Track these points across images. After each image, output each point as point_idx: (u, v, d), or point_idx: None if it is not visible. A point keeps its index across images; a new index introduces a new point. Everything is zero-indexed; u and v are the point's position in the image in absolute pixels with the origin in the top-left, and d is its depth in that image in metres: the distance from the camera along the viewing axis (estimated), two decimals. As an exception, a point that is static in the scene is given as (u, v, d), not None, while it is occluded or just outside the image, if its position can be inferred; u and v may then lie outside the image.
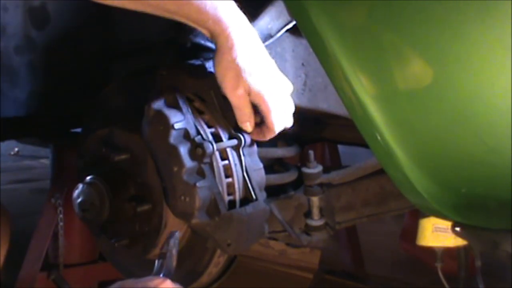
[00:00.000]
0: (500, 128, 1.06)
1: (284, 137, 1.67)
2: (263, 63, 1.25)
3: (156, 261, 1.21)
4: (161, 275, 1.18)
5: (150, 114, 1.34)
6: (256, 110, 1.28)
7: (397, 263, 2.83)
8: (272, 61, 1.28)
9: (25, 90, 1.80)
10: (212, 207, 1.30)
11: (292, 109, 1.30)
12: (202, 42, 1.59)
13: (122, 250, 1.56)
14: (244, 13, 1.25)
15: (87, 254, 2.30)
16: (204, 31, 1.24)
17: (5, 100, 1.77)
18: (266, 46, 1.36)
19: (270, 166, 1.62)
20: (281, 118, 1.28)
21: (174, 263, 1.22)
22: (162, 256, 1.21)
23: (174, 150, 1.30)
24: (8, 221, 1.65)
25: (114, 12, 1.82)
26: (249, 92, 1.24)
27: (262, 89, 1.24)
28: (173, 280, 1.16)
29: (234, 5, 1.23)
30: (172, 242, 1.23)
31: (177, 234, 1.25)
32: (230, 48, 1.21)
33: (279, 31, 1.39)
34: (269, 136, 1.31)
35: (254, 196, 1.34)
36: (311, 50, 1.22)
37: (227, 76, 1.23)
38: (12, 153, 5.11)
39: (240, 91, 1.24)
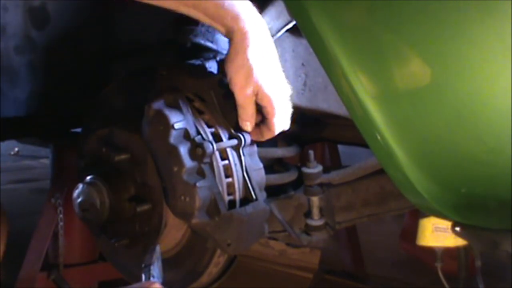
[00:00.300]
0: (500, 128, 1.06)
1: (284, 137, 1.67)
2: (274, 65, 1.26)
3: (143, 275, 1.20)
4: None
5: (150, 114, 1.34)
6: (257, 110, 1.29)
7: (397, 263, 2.83)
8: (279, 63, 1.28)
9: (25, 90, 1.80)
10: (212, 207, 1.30)
11: (291, 112, 1.31)
12: (202, 42, 1.59)
13: (122, 250, 1.56)
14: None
15: (87, 254, 2.30)
16: (220, 28, 1.24)
17: (5, 100, 1.77)
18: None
19: (270, 166, 1.62)
20: (283, 121, 1.29)
21: (161, 272, 1.21)
22: (147, 268, 1.21)
23: (174, 150, 1.30)
24: (5, 221, 1.65)
25: (114, 12, 1.83)
26: (256, 93, 1.24)
27: (271, 92, 1.24)
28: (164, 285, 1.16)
29: (250, 4, 1.24)
30: (154, 255, 1.22)
31: (158, 248, 1.25)
32: (246, 47, 1.22)
33: (279, 31, 1.39)
34: (267, 137, 1.32)
35: (254, 196, 1.34)
36: (311, 50, 1.21)
37: (238, 74, 1.23)
38: (12, 153, 5.11)
39: (249, 91, 1.24)
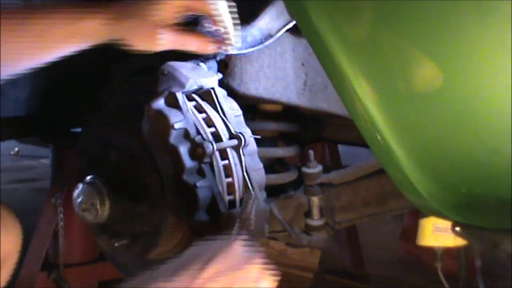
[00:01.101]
0: (500, 128, 1.06)
1: (284, 137, 1.67)
2: None
3: (236, 226, 1.18)
4: None
5: (150, 114, 1.34)
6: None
7: (397, 263, 2.83)
8: None
9: (25, 90, 1.80)
10: (212, 207, 1.30)
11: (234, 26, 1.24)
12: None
13: (122, 250, 1.55)
14: (244, 13, 1.24)
15: (87, 254, 2.30)
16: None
17: (5, 100, 1.77)
18: (266, 46, 1.36)
19: (270, 166, 1.62)
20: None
21: (253, 225, 1.18)
22: (241, 221, 1.17)
23: (174, 150, 1.30)
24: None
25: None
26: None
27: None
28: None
29: None
30: (250, 204, 1.19)
31: (254, 194, 1.21)
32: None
33: (279, 31, 1.39)
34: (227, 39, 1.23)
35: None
36: (311, 50, 1.22)
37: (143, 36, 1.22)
38: (12, 153, 5.11)
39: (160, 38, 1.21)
